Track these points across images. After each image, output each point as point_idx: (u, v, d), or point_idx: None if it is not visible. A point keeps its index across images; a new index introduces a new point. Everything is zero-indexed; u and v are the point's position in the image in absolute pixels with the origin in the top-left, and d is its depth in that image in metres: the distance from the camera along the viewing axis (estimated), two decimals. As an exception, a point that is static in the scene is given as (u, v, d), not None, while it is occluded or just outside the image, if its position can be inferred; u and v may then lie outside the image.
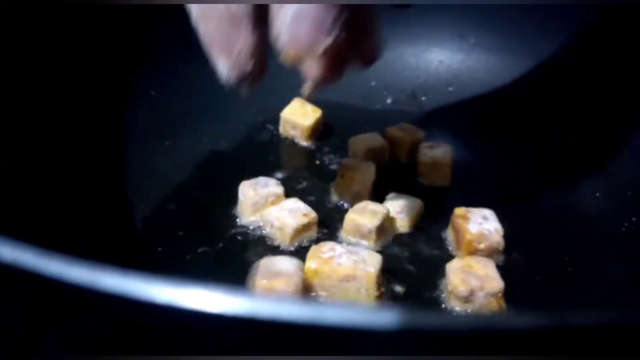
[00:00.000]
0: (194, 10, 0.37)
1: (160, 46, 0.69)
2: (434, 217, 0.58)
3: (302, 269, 0.47)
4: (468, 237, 0.52)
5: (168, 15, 0.68)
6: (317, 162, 0.66)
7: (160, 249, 0.55)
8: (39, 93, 0.58)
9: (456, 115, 0.72)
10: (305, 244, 0.55)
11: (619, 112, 0.64)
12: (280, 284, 0.45)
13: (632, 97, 0.64)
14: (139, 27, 0.67)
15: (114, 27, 0.66)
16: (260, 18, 0.35)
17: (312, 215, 0.55)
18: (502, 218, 0.54)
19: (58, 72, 0.60)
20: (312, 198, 0.60)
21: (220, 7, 0.35)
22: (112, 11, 0.65)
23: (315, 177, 0.64)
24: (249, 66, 0.37)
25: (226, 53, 0.37)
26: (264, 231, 0.56)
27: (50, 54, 0.60)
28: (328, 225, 0.57)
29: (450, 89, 0.74)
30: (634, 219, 0.56)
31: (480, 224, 0.53)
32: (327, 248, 0.49)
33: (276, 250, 0.54)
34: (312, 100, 0.69)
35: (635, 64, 0.66)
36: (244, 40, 0.36)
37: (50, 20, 0.60)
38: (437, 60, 0.75)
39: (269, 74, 0.73)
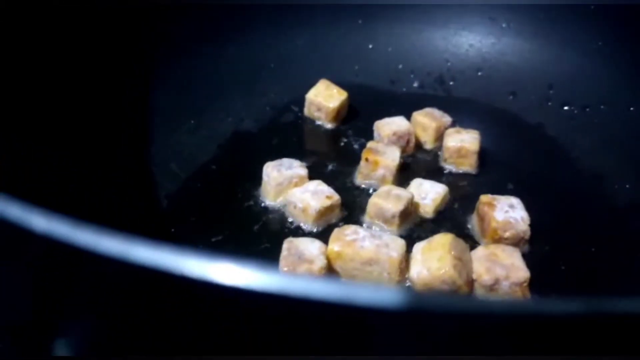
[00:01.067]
0: None
1: (186, 26, 0.68)
2: (458, 204, 0.58)
3: (325, 252, 0.47)
4: (493, 224, 0.51)
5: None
6: (341, 144, 0.66)
7: (185, 227, 0.55)
8: (69, 72, 0.58)
9: (485, 100, 0.70)
10: (327, 225, 0.55)
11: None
12: (303, 269, 0.45)
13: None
14: (166, 9, 0.67)
15: (140, 8, 0.66)
16: None
17: (336, 197, 0.55)
18: (529, 207, 0.54)
19: (83, 54, 0.60)
20: (336, 180, 0.60)
21: None
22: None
23: (339, 160, 0.63)
24: None
25: None
26: (287, 212, 0.56)
27: (80, 33, 0.60)
28: (351, 208, 0.57)
29: (479, 73, 0.73)
30: (665, 211, 0.55)
31: (507, 212, 0.52)
32: (350, 231, 0.48)
33: (299, 232, 0.54)
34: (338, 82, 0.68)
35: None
36: None
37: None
38: (467, 44, 0.74)
39: (294, 56, 0.74)
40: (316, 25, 0.75)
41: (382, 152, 0.59)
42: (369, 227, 0.54)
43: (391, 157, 0.59)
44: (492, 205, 0.52)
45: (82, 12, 0.60)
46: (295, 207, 0.55)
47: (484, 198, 0.53)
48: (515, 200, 0.53)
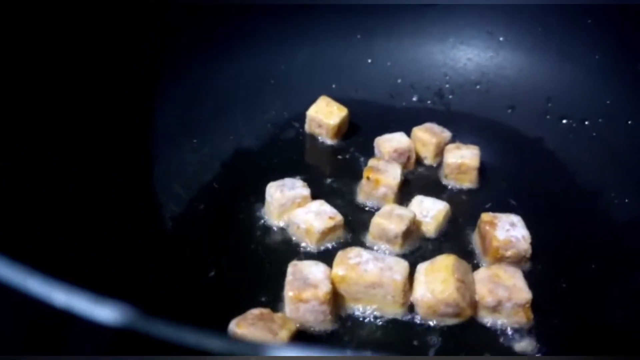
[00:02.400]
0: None
1: (187, 45, 0.69)
2: (460, 221, 0.58)
3: (329, 276, 0.47)
4: (495, 244, 0.52)
5: (195, 14, 0.69)
6: (343, 161, 0.66)
7: (189, 249, 0.55)
8: (70, 94, 0.58)
9: (484, 114, 0.71)
10: (330, 246, 0.55)
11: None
12: (308, 295, 0.45)
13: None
14: (167, 26, 0.68)
15: (141, 26, 0.66)
16: None
17: (338, 217, 0.56)
18: (529, 223, 0.54)
19: (87, 71, 0.61)
20: (338, 199, 0.61)
21: None
22: (140, 10, 0.65)
23: (340, 177, 0.64)
24: None
25: None
26: (290, 232, 0.56)
27: (78, 54, 0.60)
28: (354, 227, 0.57)
29: (478, 87, 0.73)
30: (664, 227, 0.56)
31: (508, 230, 0.52)
32: (353, 254, 0.49)
33: (302, 253, 0.55)
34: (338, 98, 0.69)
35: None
36: None
37: (80, 18, 0.60)
38: (465, 58, 0.75)
39: (294, 72, 0.74)
40: (315, 41, 0.75)
41: (384, 171, 0.60)
42: (372, 247, 0.54)
43: (392, 175, 0.59)
44: (493, 224, 0.53)
45: (84, 28, 0.61)
46: (298, 227, 0.55)
47: (485, 217, 0.54)
48: (515, 218, 0.54)
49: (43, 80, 0.56)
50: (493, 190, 0.62)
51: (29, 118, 0.54)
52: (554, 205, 0.60)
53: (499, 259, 0.52)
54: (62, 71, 0.58)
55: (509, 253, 0.51)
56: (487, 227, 0.53)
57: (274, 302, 0.49)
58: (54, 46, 0.57)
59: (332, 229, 0.55)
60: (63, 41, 0.58)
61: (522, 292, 0.47)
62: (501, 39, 0.73)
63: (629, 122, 0.64)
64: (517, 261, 0.52)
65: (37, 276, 0.28)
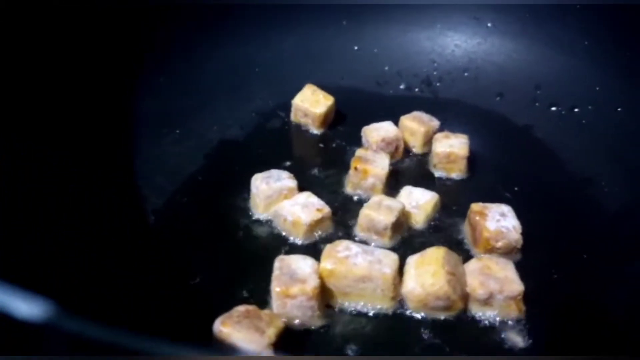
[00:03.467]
0: None
1: (168, 34, 0.67)
2: (449, 211, 0.57)
3: (317, 271, 0.46)
4: (485, 234, 0.51)
5: (178, 2, 0.66)
6: (330, 151, 0.65)
7: (173, 242, 0.54)
8: (48, 85, 0.56)
9: (472, 102, 0.70)
10: (318, 237, 0.54)
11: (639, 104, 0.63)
12: (296, 290, 0.44)
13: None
14: (147, 16, 0.66)
15: (121, 16, 0.64)
16: None
17: (326, 210, 0.54)
18: (519, 212, 0.53)
19: (67, 63, 0.59)
20: (325, 189, 0.59)
21: None
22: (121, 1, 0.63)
23: (327, 167, 0.62)
24: None
25: None
26: (276, 225, 0.55)
27: (58, 45, 0.58)
28: (342, 219, 0.56)
29: (466, 74, 0.72)
30: (655, 215, 0.55)
31: (498, 221, 0.51)
32: (342, 247, 0.48)
33: (289, 245, 0.53)
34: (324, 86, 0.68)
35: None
36: None
37: (58, 11, 0.58)
38: (453, 45, 0.73)
39: (279, 59, 0.73)
40: (301, 28, 0.74)
41: (372, 161, 0.59)
42: (361, 239, 0.53)
43: (381, 165, 0.58)
44: (483, 214, 0.52)
45: (65, 21, 0.59)
46: (285, 220, 0.54)
47: (475, 207, 0.53)
48: (506, 208, 0.53)
49: (18, 68, 0.54)
50: (482, 180, 0.61)
51: (5, 108, 0.52)
52: (543, 194, 0.59)
53: (490, 250, 0.51)
54: (41, 61, 0.56)
55: (499, 244, 0.51)
56: (477, 218, 0.52)
57: (261, 297, 0.48)
58: (30, 33, 0.55)
59: (319, 221, 0.54)
60: (41, 29, 0.56)
61: (514, 284, 0.46)
62: (489, 24, 0.72)
63: (619, 109, 0.64)
64: (507, 252, 0.51)
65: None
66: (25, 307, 0.23)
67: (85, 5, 0.60)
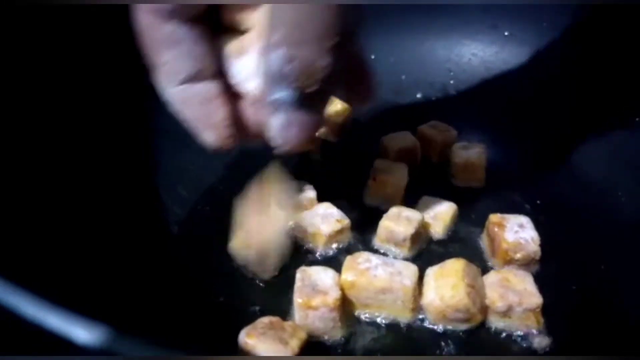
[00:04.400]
0: (173, 99, 0.42)
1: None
2: (468, 222, 0.58)
3: (339, 282, 0.47)
4: (504, 246, 0.51)
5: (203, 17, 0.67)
6: (347, 160, 0.66)
7: (196, 254, 0.55)
8: (73, 95, 0.58)
9: (489, 112, 0.70)
10: (337, 249, 0.55)
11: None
12: (318, 302, 0.45)
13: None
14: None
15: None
16: (229, 93, 0.41)
17: (346, 221, 0.55)
18: (537, 223, 0.54)
19: (89, 73, 0.60)
20: (344, 200, 0.60)
21: (196, 91, 0.40)
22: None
23: (346, 177, 0.63)
24: (228, 132, 0.42)
25: (209, 127, 0.42)
26: (296, 236, 0.56)
27: (78, 54, 0.59)
28: (361, 230, 0.57)
29: (483, 83, 0.73)
30: (673, 225, 0.56)
31: (517, 232, 0.52)
32: (362, 259, 0.49)
33: (310, 256, 0.54)
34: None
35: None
36: (222, 113, 0.41)
37: (74, 21, 0.59)
38: (470, 53, 0.74)
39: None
40: (318, 38, 0.74)
41: (390, 171, 0.59)
42: (379, 250, 0.54)
43: (399, 176, 0.59)
44: (501, 225, 0.53)
45: (87, 29, 0.60)
46: (305, 231, 0.55)
47: (493, 218, 0.54)
48: (524, 219, 0.53)
49: (43, 82, 0.55)
50: (500, 189, 0.62)
51: (28, 120, 0.53)
52: (561, 205, 0.59)
53: (509, 261, 0.51)
54: (64, 72, 0.57)
55: (518, 255, 0.51)
56: (496, 229, 0.52)
57: (284, 308, 0.49)
58: (57, 47, 0.56)
59: (339, 232, 0.55)
60: (65, 42, 0.57)
61: (533, 297, 0.46)
62: (506, 33, 0.72)
63: (637, 119, 0.64)
64: (526, 263, 0.51)
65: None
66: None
67: (108, 11, 0.61)
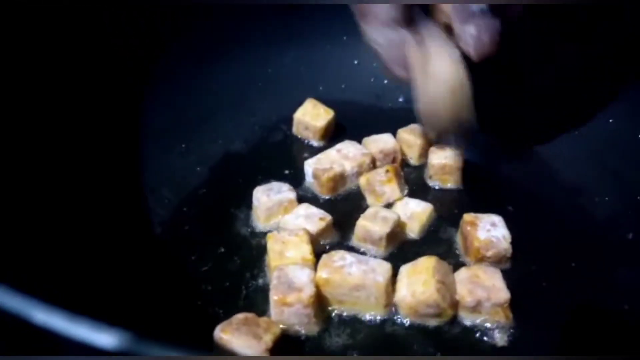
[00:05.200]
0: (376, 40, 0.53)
1: (174, 49, 0.70)
2: (444, 221, 0.59)
3: (314, 280, 0.48)
4: (476, 244, 0.53)
5: (183, 18, 0.69)
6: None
7: (179, 254, 0.56)
8: (54, 97, 0.59)
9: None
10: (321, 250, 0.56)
11: (632, 115, 0.64)
12: (293, 299, 0.47)
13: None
14: (155, 30, 0.69)
15: (131, 29, 0.67)
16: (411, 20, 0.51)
17: (328, 218, 0.57)
18: (511, 221, 0.55)
19: (74, 76, 0.61)
20: (322, 199, 0.62)
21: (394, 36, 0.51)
22: (128, 14, 0.66)
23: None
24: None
25: (399, 66, 0.53)
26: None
27: (65, 57, 0.61)
28: (342, 228, 0.58)
29: (462, 87, 0.74)
30: (642, 223, 0.57)
31: (489, 230, 0.53)
32: (338, 257, 0.50)
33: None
34: (326, 101, 0.70)
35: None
36: (406, 46, 0.52)
37: (65, 23, 0.61)
38: (450, 58, 0.75)
39: (281, 74, 0.75)
40: (302, 44, 0.76)
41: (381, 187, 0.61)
42: (357, 249, 0.56)
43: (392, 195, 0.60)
44: (474, 224, 0.54)
45: (70, 34, 0.61)
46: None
47: (467, 217, 0.55)
48: (496, 218, 0.55)
49: (30, 83, 0.56)
50: (477, 190, 0.63)
51: (13, 121, 0.54)
52: (535, 204, 0.61)
53: (481, 259, 0.53)
54: (52, 74, 0.59)
55: (489, 253, 0.53)
56: (469, 228, 0.54)
57: (262, 306, 0.51)
58: (41, 47, 0.58)
59: (324, 230, 0.56)
60: (50, 43, 0.59)
61: (501, 292, 0.48)
62: (485, 39, 0.74)
63: (610, 121, 0.65)
64: (497, 261, 0.53)
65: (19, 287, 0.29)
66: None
67: (93, 13, 0.62)
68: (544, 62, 0.71)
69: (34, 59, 0.57)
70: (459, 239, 0.57)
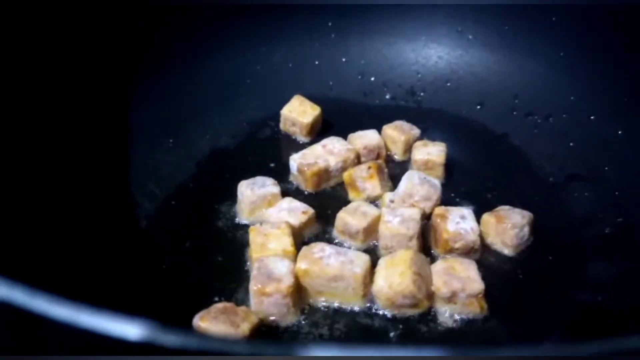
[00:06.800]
0: None
1: (162, 45, 0.71)
2: (424, 216, 0.60)
3: (293, 271, 0.49)
4: (445, 236, 0.54)
5: (171, 14, 0.71)
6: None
7: (163, 246, 0.58)
8: (42, 92, 0.60)
9: (453, 111, 0.73)
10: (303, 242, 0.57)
11: (611, 112, 0.65)
12: (272, 289, 0.48)
13: (626, 99, 0.65)
14: (143, 27, 0.70)
15: (117, 26, 0.68)
16: None
17: (311, 211, 0.58)
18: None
19: (62, 72, 0.63)
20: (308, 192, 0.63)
21: None
22: (115, 11, 0.67)
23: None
24: None
25: None
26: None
27: (54, 54, 0.62)
28: (326, 220, 0.59)
29: (448, 84, 0.75)
30: (619, 219, 0.58)
31: (458, 223, 0.54)
32: (317, 249, 0.51)
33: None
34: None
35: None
36: None
37: (54, 21, 0.62)
38: (436, 56, 0.77)
39: (269, 71, 0.76)
40: (291, 41, 0.77)
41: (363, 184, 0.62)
42: (339, 242, 0.57)
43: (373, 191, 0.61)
44: (444, 217, 0.55)
45: (58, 31, 0.62)
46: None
47: (438, 210, 0.56)
48: (466, 211, 0.56)
49: (14, 77, 0.57)
50: (459, 185, 0.64)
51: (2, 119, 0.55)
52: (515, 199, 0.61)
53: (449, 251, 0.54)
54: (40, 72, 0.60)
55: (457, 245, 0.54)
56: (438, 220, 0.55)
57: (242, 296, 0.52)
58: (28, 43, 0.59)
59: (307, 223, 0.57)
60: (37, 39, 0.60)
61: (475, 283, 0.49)
62: (470, 37, 0.75)
63: (592, 118, 0.66)
64: (466, 252, 0.54)
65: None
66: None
67: (81, 10, 0.63)
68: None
69: (19, 55, 0.58)
70: (430, 231, 0.58)
